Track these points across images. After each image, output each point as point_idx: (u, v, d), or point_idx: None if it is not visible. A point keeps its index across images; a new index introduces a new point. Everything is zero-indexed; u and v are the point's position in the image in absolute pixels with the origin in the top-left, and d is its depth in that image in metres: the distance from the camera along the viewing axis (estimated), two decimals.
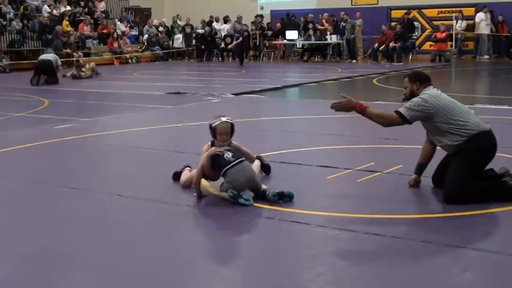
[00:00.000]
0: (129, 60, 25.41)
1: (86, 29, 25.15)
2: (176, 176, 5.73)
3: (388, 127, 5.27)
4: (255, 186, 5.11)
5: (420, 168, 5.41)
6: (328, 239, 4.26)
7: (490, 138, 5.06)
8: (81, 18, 25.70)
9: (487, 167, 5.13)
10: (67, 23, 24.38)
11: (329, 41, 24.04)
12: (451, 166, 5.01)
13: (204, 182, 5.40)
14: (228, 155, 5.14)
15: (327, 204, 5.05)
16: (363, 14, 24.43)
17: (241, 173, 5.07)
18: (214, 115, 5.45)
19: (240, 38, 25.30)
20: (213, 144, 5.35)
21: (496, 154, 5.12)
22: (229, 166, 5.08)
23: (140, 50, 26.57)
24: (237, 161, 5.11)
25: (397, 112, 5.07)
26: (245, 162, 5.17)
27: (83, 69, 18.40)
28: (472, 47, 24.11)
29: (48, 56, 17.07)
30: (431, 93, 5.11)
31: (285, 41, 25.40)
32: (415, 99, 5.08)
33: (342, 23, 24.55)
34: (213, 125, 5.29)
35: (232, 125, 5.32)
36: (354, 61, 23.68)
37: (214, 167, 5.19)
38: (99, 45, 25.45)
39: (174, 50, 27.70)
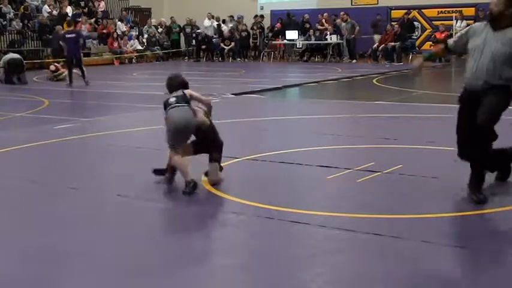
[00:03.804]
0: (128, 60, 25.36)
1: (83, 29, 25.07)
2: (158, 172, 5.80)
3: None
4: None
5: (430, 56, 5.40)
6: (328, 239, 4.26)
7: None
8: (79, 19, 25.66)
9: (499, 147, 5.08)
10: None
11: (329, 41, 24.05)
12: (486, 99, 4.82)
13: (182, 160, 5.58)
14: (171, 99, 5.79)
15: (327, 204, 5.05)
16: (363, 14, 24.41)
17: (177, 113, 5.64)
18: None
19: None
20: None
21: None
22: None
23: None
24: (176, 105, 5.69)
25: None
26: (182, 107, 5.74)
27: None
28: None
29: (14, 54, 17.43)
30: None
31: (285, 41, 25.40)
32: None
33: (343, 22, 24.50)
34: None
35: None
36: (354, 61, 23.68)
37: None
38: (99, 45, 25.44)
39: (174, 50, 27.70)
